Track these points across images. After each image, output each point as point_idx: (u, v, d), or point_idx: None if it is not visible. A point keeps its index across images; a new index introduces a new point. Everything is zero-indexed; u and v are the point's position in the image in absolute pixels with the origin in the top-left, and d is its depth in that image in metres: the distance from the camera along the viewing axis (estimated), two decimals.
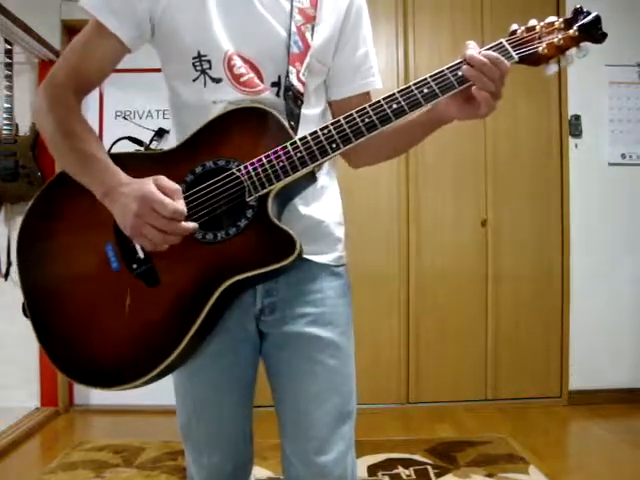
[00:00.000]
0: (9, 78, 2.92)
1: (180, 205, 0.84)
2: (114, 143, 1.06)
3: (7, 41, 2.87)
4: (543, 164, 3.14)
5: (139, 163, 0.98)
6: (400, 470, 2.27)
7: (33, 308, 0.98)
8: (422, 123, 1.00)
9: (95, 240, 0.94)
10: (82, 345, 0.94)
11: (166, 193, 0.84)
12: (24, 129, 3.03)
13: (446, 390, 3.10)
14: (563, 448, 2.70)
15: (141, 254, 0.92)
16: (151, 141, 0.94)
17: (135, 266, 0.92)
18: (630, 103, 3.15)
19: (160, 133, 0.97)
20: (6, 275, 2.99)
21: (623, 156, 3.15)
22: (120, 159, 0.94)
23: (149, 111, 3.17)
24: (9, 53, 2.91)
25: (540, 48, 0.90)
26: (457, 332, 3.10)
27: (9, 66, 2.92)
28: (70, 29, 3.13)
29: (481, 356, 3.11)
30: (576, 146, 3.13)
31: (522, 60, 0.91)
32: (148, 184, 0.85)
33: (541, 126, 3.14)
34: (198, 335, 0.90)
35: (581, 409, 3.02)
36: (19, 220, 1.01)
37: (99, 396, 3.15)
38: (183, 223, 0.85)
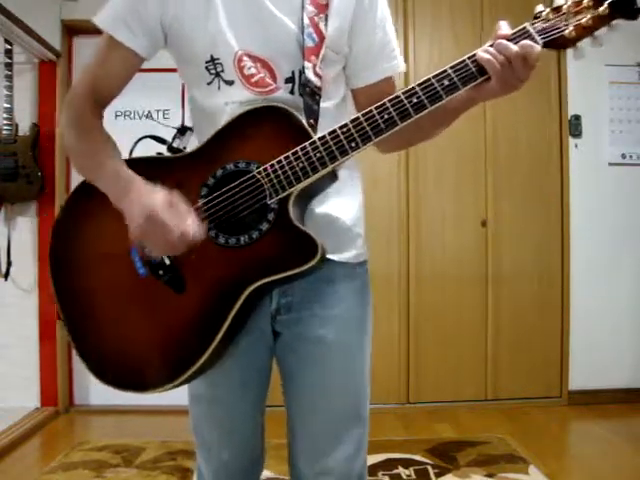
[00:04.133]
0: (9, 78, 2.92)
1: (187, 227, 0.84)
2: (137, 142, 1.09)
3: (7, 41, 2.87)
4: (543, 164, 3.14)
5: (159, 168, 0.98)
6: (400, 470, 2.27)
7: (65, 313, 1.00)
8: (459, 103, 0.94)
9: (121, 246, 0.95)
10: (111, 349, 0.96)
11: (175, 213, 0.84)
12: (24, 129, 3.03)
13: (446, 390, 3.10)
14: (563, 448, 2.70)
15: (167, 260, 0.92)
16: (174, 139, 0.95)
17: (161, 272, 0.93)
18: (630, 103, 3.15)
19: (182, 131, 0.97)
20: (6, 275, 2.99)
21: (623, 156, 3.15)
22: (139, 165, 0.95)
23: (149, 111, 3.17)
24: (9, 53, 2.91)
25: (567, 31, 0.84)
26: (457, 332, 3.10)
27: (9, 66, 2.92)
28: (70, 29, 3.14)
29: (481, 356, 3.11)
30: (576, 146, 3.13)
31: (547, 45, 0.86)
32: (156, 201, 0.84)
33: (541, 126, 3.14)
34: (225, 339, 0.90)
35: (581, 409, 3.02)
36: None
37: (99, 396, 3.15)
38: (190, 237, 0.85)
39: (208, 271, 0.91)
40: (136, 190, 0.88)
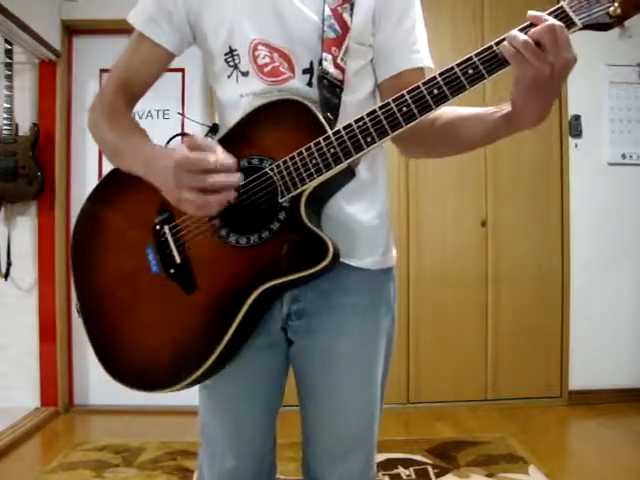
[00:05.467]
0: (9, 78, 2.92)
1: (216, 156, 0.79)
2: (169, 140, 1.10)
3: (7, 41, 2.87)
4: (543, 164, 3.14)
5: None
6: (400, 470, 2.27)
7: (83, 308, 0.99)
8: (493, 127, 0.91)
9: (137, 243, 0.94)
10: (123, 346, 0.95)
11: (201, 148, 0.80)
12: (24, 129, 3.03)
13: (446, 390, 3.10)
14: (563, 448, 2.69)
15: (178, 259, 0.91)
16: (206, 137, 0.95)
17: (172, 270, 0.92)
18: (630, 103, 3.15)
19: (214, 129, 0.96)
20: (6, 275, 2.99)
21: (623, 156, 3.15)
22: None
23: (149, 111, 3.17)
24: (9, 53, 2.91)
25: (612, 8, 0.74)
26: (457, 332, 3.10)
27: (9, 66, 2.92)
28: (70, 29, 3.13)
29: (481, 356, 3.11)
30: (576, 146, 3.13)
31: (588, 27, 0.77)
32: (178, 151, 0.81)
33: (541, 126, 3.09)
34: (233, 342, 0.87)
35: (581, 409, 3.02)
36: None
37: (99, 396, 3.15)
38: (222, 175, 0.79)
39: (218, 271, 0.89)
40: (160, 151, 0.86)
